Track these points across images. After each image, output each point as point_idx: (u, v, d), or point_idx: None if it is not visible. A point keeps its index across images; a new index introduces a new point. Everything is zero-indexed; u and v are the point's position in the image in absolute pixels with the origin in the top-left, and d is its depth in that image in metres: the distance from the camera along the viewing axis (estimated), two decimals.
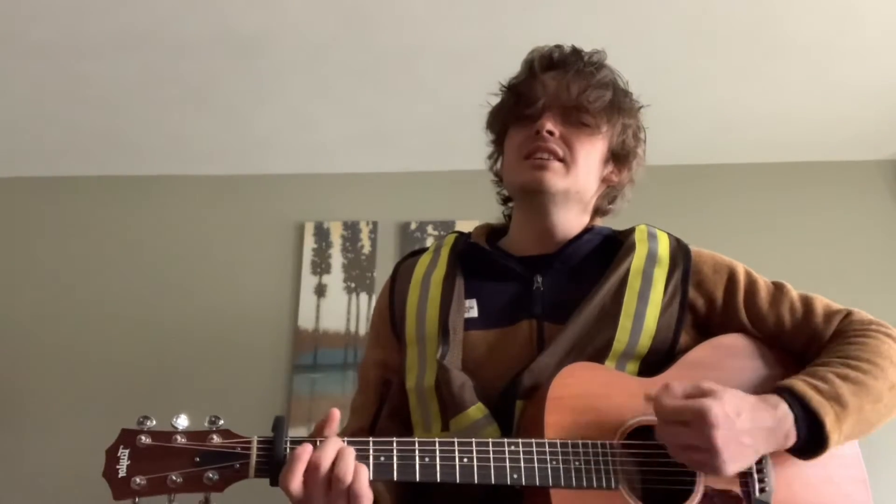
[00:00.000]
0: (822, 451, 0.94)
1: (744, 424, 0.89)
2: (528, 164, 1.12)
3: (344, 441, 0.87)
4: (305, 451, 0.85)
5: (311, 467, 0.84)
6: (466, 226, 1.35)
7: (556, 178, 1.12)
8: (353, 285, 2.70)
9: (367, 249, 2.74)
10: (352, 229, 2.77)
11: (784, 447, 0.93)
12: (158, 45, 2.14)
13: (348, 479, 0.84)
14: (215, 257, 2.78)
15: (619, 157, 1.19)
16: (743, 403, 0.91)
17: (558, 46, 1.18)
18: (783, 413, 0.93)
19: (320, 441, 0.87)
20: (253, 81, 2.33)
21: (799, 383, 0.96)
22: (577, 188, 1.14)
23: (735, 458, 0.88)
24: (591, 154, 1.14)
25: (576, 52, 1.17)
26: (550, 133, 1.11)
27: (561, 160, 1.12)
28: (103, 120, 2.53)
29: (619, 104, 1.16)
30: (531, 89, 1.14)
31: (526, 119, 1.14)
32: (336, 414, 0.90)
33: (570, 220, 1.17)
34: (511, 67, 1.23)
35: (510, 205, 1.26)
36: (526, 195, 1.16)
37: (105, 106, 2.44)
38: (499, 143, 1.23)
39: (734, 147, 2.68)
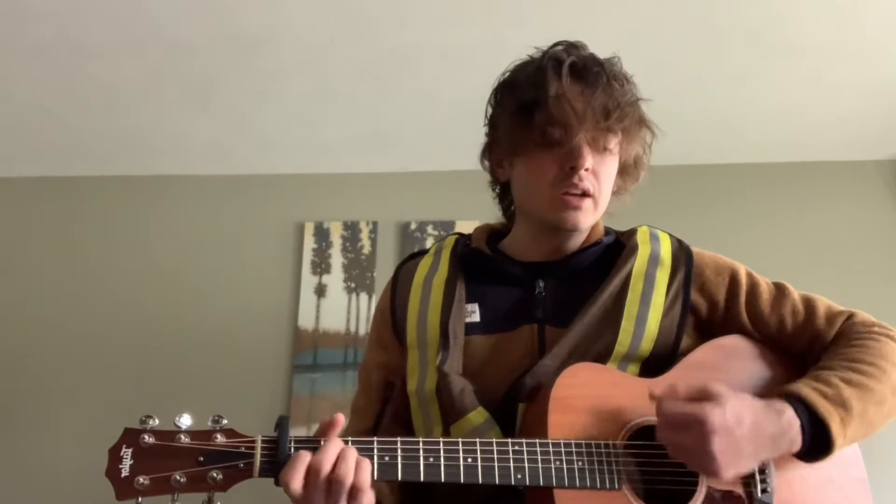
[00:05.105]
0: (826, 456, 0.94)
1: (744, 431, 0.89)
2: (562, 203, 1.07)
3: (347, 441, 0.87)
4: (308, 451, 0.85)
5: (312, 469, 0.84)
6: (466, 226, 1.34)
7: (587, 217, 1.09)
8: (353, 285, 2.70)
9: (367, 249, 2.74)
10: (352, 229, 2.77)
11: (789, 452, 0.93)
12: (159, 45, 2.14)
13: (348, 480, 0.84)
14: (215, 257, 2.78)
15: (630, 168, 1.16)
16: (746, 409, 0.90)
17: (573, 46, 1.11)
18: (789, 420, 0.92)
19: (324, 440, 0.87)
20: (253, 82, 2.33)
21: (805, 388, 0.96)
22: (598, 217, 1.13)
23: (732, 464, 0.88)
24: (612, 177, 1.12)
25: (596, 60, 1.09)
26: (586, 170, 1.07)
27: (591, 196, 1.08)
28: (103, 120, 2.53)
29: (643, 120, 1.11)
30: (561, 111, 1.04)
31: (556, 144, 1.06)
32: (340, 419, 0.90)
33: (580, 237, 1.16)
34: None
35: (512, 208, 1.22)
36: (551, 226, 1.12)
37: (105, 106, 2.44)
38: (510, 151, 1.13)
39: (734, 147, 2.68)
